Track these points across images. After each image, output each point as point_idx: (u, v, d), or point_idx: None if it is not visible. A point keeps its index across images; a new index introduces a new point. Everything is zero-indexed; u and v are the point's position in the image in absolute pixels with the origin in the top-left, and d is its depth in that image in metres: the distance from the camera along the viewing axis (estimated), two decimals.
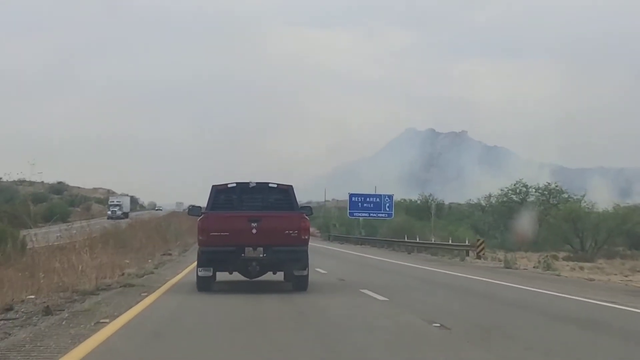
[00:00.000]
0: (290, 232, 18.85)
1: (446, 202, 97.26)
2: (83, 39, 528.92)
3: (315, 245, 60.28)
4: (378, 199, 76.99)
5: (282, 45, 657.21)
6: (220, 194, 19.59)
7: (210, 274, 18.99)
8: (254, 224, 18.70)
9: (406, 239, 60.02)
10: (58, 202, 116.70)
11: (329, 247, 63.63)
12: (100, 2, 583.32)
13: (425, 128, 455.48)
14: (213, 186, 19.61)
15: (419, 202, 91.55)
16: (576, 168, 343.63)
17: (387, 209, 76.55)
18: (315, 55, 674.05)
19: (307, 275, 19.50)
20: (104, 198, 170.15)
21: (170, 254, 41.31)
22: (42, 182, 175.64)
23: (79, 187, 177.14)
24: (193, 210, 20.26)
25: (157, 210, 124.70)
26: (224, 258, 18.92)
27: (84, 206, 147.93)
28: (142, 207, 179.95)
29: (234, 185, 19.70)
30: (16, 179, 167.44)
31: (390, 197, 77.37)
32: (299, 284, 19.43)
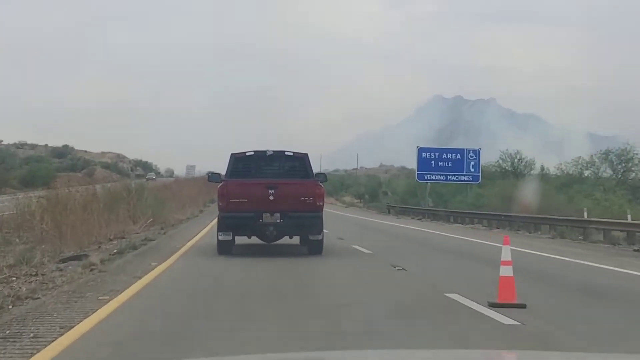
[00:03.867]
0: (306, 198, 18.76)
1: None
2: (103, 4, 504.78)
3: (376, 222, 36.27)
4: (459, 155, 51.80)
5: (308, 13, 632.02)
6: (238, 161, 19.43)
7: (230, 237, 18.92)
8: (271, 191, 18.67)
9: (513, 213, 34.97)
10: (40, 166, 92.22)
11: (405, 226, 38.39)
12: None
13: (453, 95, 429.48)
14: (232, 154, 19.47)
15: (497, 163, 65.33)
16: (606, 135, 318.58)
17: (472, 170, 51.34)
18: (341, 23, 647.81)
19: (322, 239, 19.40)
20: (111, 162, 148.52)
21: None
22: (46, 145, 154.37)
23: (85, 151, 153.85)
24: (213, 177, 20.31)
25: (148, 179, 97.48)
26: (243, 223, 18.80)
27: (86, 171, 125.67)
28: (159, 175, 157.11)
29: (252, 153, 19.54)
30: (17, 142, 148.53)
31: (477, 152, 52.10)
32: (314, 248, 19.40)
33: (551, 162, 66.08)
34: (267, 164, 19.63)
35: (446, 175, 51.72)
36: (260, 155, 19.50)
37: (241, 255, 18.44)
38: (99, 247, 19.49)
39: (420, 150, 52.39)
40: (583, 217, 29.12)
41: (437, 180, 52.42)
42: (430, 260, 18.43)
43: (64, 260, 15.39)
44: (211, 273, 14.90)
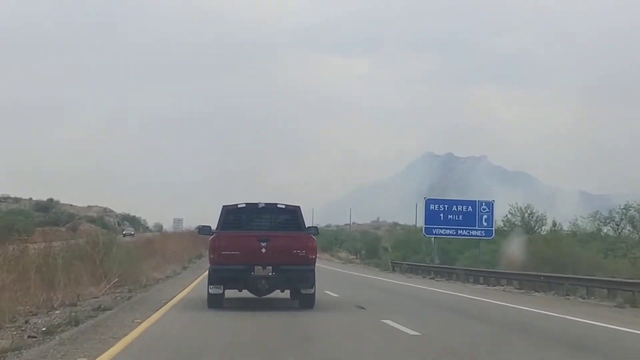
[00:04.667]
0: (298, 251, 18.28)
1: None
2: (90, 67, 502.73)
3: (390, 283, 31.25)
4: (470, 208, 46.54)
5: (301, 74, 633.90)
6: (230, 214, 19.01)
7: (221, 291, 18.40)
8: (263, 244, 18.28)
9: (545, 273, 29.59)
10: (16, 219, 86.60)
11: (423, 287, 32.78)
12: (105, 33, 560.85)
13: (444, 152, 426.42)
14: (223, 206, 19.07)
15: (506, 218, 59.76)
16: (599, 194, 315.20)
17: (485, 224, 46.07)
18: (333, 83, 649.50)
19: (314, 293, 18.75)
20: (97, 216, 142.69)
21: None
22: (30, 199, 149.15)
23: (71, 205, 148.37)
24: (203, 229, 19.62)
25: (125, 234, 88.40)
26: (234, 276, 18.36)
27: (70, 225, 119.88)
28: (148, 229, 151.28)
29: (244, 205, 19.07)
30: (0, 195, 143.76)
31: (490, 205, 46.85)
32: (305, 301, 18.76)
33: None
34: (259, 216, 19.20)
35: (456, 230, 46.39)
36: (252, 207, 19.01)
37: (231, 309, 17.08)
38: (27, 321, 13.96)
39: (428, 202, 47.13)
40: None
41: (446, 235, 47.09)
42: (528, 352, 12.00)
43: None
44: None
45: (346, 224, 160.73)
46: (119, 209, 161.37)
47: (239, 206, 18.95)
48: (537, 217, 59.02)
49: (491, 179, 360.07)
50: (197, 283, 29.14)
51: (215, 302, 18.24)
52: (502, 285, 32.12)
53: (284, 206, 19.00)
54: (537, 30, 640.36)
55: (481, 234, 46.14)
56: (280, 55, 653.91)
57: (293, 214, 18.92)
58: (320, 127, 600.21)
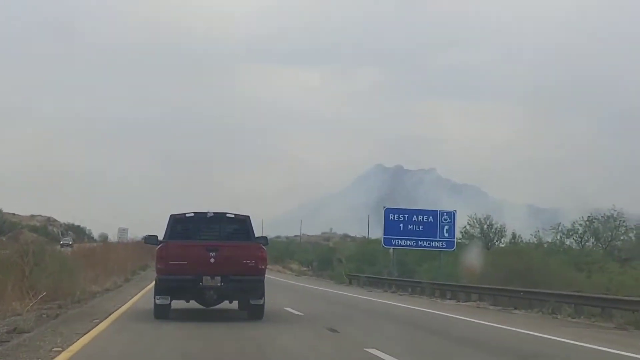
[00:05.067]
0: (248, 261, 17.75)
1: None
2: (37, 73, 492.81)
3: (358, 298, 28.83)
4: (431, 218, 44.12)
5: (249, 83, 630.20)
6: (177, 223, 18.44)
7: (168, 302, 17.86)
8: (212, 253, 17.65)
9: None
10: None
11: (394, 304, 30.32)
12: (58, 37, 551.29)
13: (394, 164, 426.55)
14: (171, 215, 18.53)
15: (464, 229, 57.46)
16: (546, 207, 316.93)
17: (446, 235, 43.74)
18: (282, 93, 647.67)
19: (264, 304, 18.29)
20: (40, 226, 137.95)
21: None
22: None
23: (13, 214, 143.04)
24: (149, 239, 18.92)
25: (63, 244, 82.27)
26: (182, 286, 17.79)
27: (11, 234, 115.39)
28: (93, 240, 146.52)
29: (192, 214, 18.50)
30: None
31: (451, 215, 44.50)
32: (255, 312, 18.37)
33: None
34: (207, 226, 18.78)
35: (416, 241, 43.95)
36: (200, 217, 18.52)
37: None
38: None
39: (388, 212, 44.62)
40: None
41: (405, 246, 44.56)
42: None
43: None
44: None
45: (296, 235, 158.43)
46: (64, 218, 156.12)
47: (187, 215, 18.44)
48: (496, 229, 57.04)
49: (440, 192, 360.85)
50: (140, 297, 26.20)
51: (161, 313, 17.73)
52: (474, 301, 29.58)
53: (233, 215, 18.56)
54: (485, 45, 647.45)
55: (442, 245, 43.76)
56: (232, 65, 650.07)
57: (242, 223, 18.49)
58: (271, 138, 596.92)
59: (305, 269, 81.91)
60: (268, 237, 20.30)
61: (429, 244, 43.79)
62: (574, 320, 21.66)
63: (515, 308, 25.80)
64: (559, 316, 22.65)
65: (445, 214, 44.17)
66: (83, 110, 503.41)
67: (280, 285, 44.06)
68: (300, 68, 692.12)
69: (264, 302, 18.22)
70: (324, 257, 74.34)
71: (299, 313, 21.07)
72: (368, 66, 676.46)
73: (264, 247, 18.38)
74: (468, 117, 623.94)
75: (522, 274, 30.60)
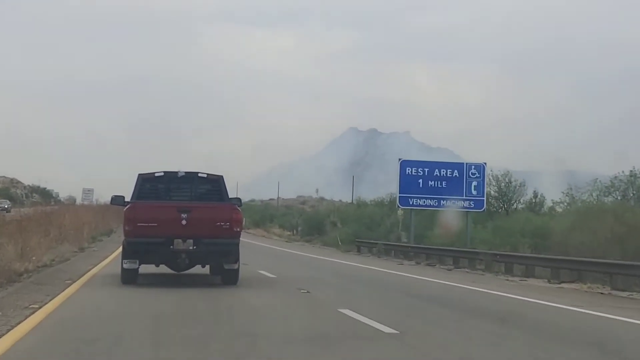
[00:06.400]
0: (222, 224, 16.62)
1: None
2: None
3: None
4: (457, 172, 35.97)
5: (221, 45, 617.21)
6: (146, 182, 17.23)
7: (137, 266, 16.67)
8: (183, 215, 16.52)
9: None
10: None
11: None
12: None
13: (368, 128, 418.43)
14: (139, 174, 17.30)
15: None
16: (522, 170, 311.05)
17: (474, 192, 35.64)
18: (255, 55, 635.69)
19: (238, 269, 17.11)
20: (3, 187, 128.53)
21: None
22: None
23: None
24: (116, 199, 17.68)
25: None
26: (151, 250, 16.66)
27: None
28: (59, 201, 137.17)
29: (162, 174, 17.31)
30: None
31: (480, 168, 36.30)
32: (229, 277, 17.14)
33: None
34: (178, 186, 17.54)
35: (438, 200, 35.75)
36: (170, 176, 17.30)
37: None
38: None
39: (404, 165, 36.32)
40: None
41: (426, 206, 36.34)
42: None
43: None
44: None
45: (271, 199, 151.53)
46: (29, 180, 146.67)
47: (156, 175, 17.30)
48: (514, 187, 49.00)
49: (414, 155, 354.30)
50: (90, 277, 18.04)
51: (129, 278, 16.65)
52: (574, 281, 20.90)
53: (205, 175, 17.42)
54: (461, 8, 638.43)
55: (470, 205, 35.70)
56: (204, 26, 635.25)
57: (215, 183, 17.33)
58: (244, 101, 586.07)
59: (289, 233, 73.81)
60: (242, 200, 18.70)
61: (453, 203, 35.64)
62: None
63: (611, 288, 17.43)
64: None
65: (473, 167, 36.01)
66: (50, 72, 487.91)
67: (277, 255, 35.77)
68: (272, 30, 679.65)
69: (238, 266, 17.00)
70: (312, 220, 66.03)
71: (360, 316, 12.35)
72: (343, 29, 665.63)
73: (238, 208, 17.14)
74: (444, 81, 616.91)
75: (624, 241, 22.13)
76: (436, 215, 39.65)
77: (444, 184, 35.54)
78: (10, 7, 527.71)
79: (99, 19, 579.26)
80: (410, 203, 35.95)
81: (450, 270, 27.54)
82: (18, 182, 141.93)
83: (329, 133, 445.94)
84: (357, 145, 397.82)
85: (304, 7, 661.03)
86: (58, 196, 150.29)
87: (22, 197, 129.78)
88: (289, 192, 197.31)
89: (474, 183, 35.63)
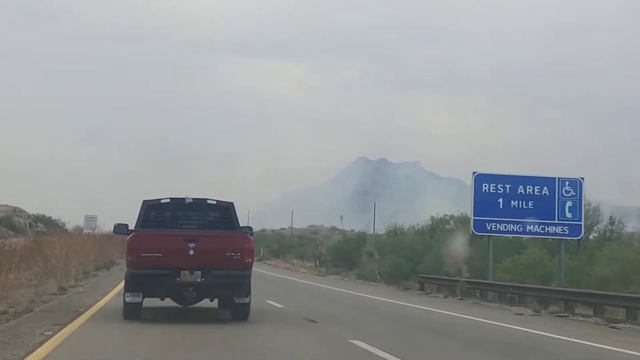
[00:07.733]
0: (233, 254, 15.46)
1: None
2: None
3: None
4: (547, 189, 27.98)
5: (234, 74, 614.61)
6: (151, 210, 16.06)
7: (140, 299, 15.45)
8: (191, 244, 15.40)
9: None
10: None
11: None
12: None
13: (377, 157, 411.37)
14: (144, 201, 16.12)
15: None
16: None
17: (569, 215, 27.69)
18: (266, 86, 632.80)
19: (249, 302, 16.06)
20: (4, 217, 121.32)
21: None
22: None
23: None
24: (119, 228, 16.44)
25: None
26: (156, 282, 15.38)
27: None
28: (65, 231, 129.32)
29: (168, 200, 16.22)
30: None
31: (576, 185, 28.27)
32: (239, 312, 16.09)
33: None
34: (185, 213, 16.36)
35: (524, 225, 27.75)
36: (177, 203, 16.18)
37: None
38: None
39: (479, 180, 28.28)
40: None
41: (508, 232, 28.35)
42: None
43: None
44: None
45: (282, 228, 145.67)
46: (33, 209, 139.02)
47: (162, 201, 16.04)
48: (587, 212, 40.94)
49: (424, 185, 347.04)
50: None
51: (132, 313, 15.31)
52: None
53: (214, 202, 16.15)
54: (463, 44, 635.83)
55: (564, 231, 27.74)
56: (217, 57, 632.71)
57: (225, 211, 16.08)
58: (254, 130, 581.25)
59: (310, 264, 65.92)
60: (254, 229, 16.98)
61: (542, 229, 27.67)
62: None
63: None
64: None
65: (567, 182, 28.05)
66: (56, 97, 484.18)
67: (325, 294, 27.66)
68: (282, 61, 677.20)
69: (249, 300, 15.84)
70: (339, 250, 58.10)
71: None
72: (351, 60, 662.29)
73: (250, 237, 15.82)
74: (453, 112, 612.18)
75: None
76: (514, 243, 31.88)
77: (530, 204, 27.60)
78: (22, 41, 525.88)
79: (108, 43, 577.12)
80: (488, 228, 27.89)
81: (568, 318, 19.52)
82: (22, 210, 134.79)
83: (339, 162, 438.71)
84: (367, 174, 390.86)
85: (315, 38, 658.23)
86: (64, 225, 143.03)
87: (26, 226, 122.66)
88: (299, 222, 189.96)
89: (569, 203, 27.77)
